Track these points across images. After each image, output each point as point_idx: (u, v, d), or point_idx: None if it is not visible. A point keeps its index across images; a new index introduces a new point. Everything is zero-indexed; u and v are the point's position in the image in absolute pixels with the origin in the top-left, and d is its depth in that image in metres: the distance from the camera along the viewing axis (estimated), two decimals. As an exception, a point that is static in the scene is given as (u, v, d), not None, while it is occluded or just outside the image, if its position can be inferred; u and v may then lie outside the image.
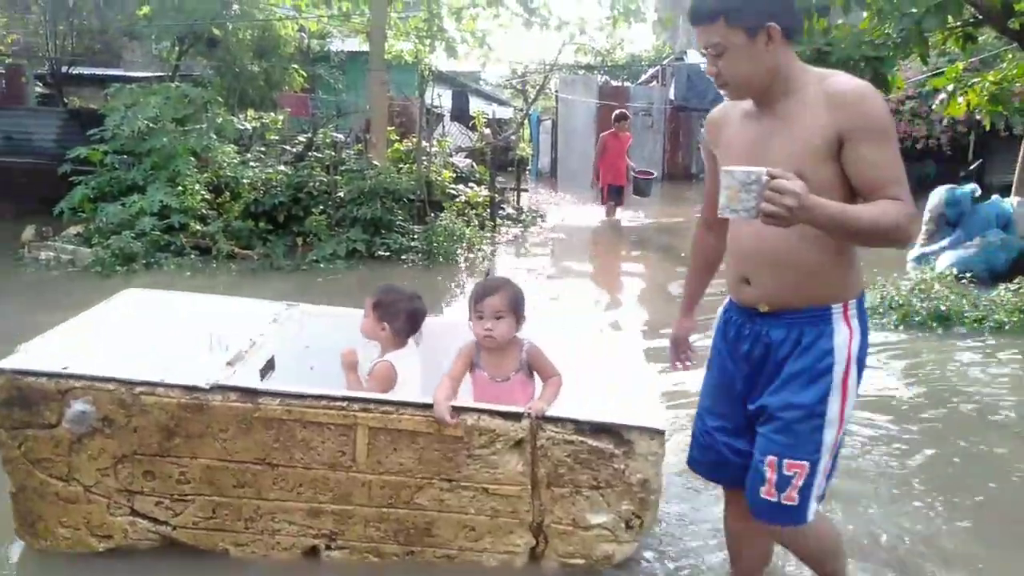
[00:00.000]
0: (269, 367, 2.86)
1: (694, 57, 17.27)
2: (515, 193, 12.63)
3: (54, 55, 13.41)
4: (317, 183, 8.85)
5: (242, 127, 10.78)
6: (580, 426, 2.28)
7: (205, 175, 8.74)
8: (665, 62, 20.90)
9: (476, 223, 9.50)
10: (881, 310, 5.75)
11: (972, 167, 13.74)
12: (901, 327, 5.52)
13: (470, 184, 10.85)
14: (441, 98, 16.22)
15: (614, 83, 20.87)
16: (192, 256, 7.86)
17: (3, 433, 2.39)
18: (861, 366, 1.86)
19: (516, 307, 2.47)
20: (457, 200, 9.86)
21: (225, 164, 8.98)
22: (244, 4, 11.80)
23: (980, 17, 6.71)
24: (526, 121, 18.47)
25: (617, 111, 11.91)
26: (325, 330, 3.03)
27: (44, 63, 13.63)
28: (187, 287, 6.81)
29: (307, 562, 2.45)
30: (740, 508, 2.05)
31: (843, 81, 1.74)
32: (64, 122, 11.31)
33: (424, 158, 10.03)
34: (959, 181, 9.83)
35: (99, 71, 15.73)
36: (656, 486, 2.31)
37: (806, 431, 1.81)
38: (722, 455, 2.04)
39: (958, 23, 6.79)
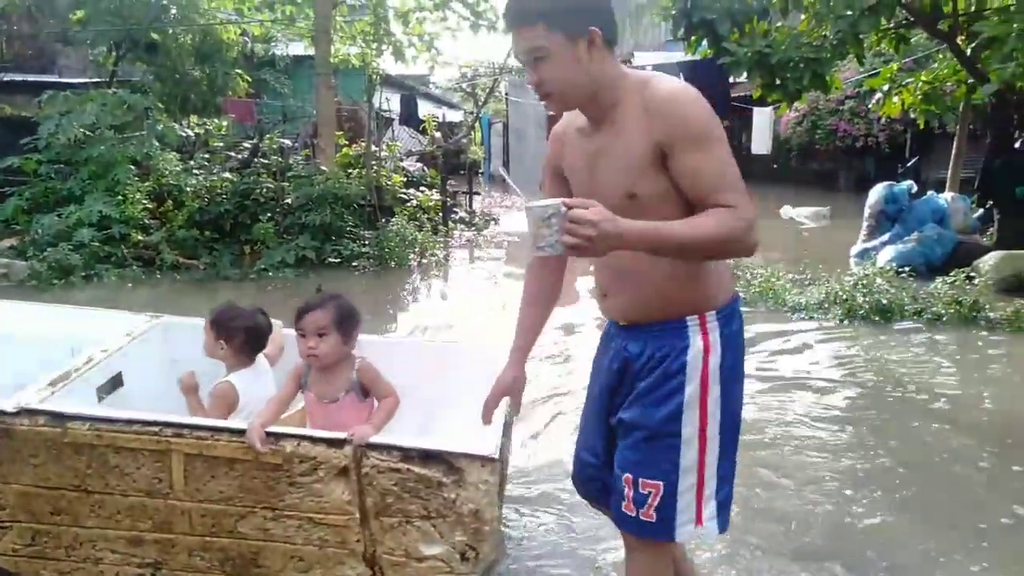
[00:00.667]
0: (116, 384, 2.72)
1: (641, 59, 17.48)
2: (467, 196, 12.60)
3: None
4: (264, 190, 8.69)
5: (185, 134, 10.52)
6: (407, 453, 2.12)
7: (147, 184, 8.49)
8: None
9: (428, 227, 9.45)
10: (826, 305, 5.90)
11: (909, 164, 14.22)
12: (845, 321, 5.67)
13: (421, 188, 10.79)
14: (390, 102, 16.10)
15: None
16: (135, 267, 7.63)
17: None
18: (729, 381, 1.74)
19: (341, 323, 2.33)
20: (408, 204, 9.79)
21: (168, 172, 8.75)
22: (183, 8, 11.51)
23: (912, 19, 6.95)
24: (477, 124, 18.46)
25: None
26: (195, 343, 2.81)
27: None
28: (130, 300, 6.61)
29: None
30: None
31: (658, 86, 1.63)
32: (-4, 130, 10.85)
33: (374, 163, 9.92)
34: (897, 178, 10.17)
35: (32, 77, 15.15)
36: (490, 516, 2.14)
37: (657, 450, 1.73)
38: (602, 486, 1.97)
39: (891, 25, 7.02)
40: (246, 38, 13.65)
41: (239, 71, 13.07)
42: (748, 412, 3.84)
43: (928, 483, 3.17)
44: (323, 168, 9.23)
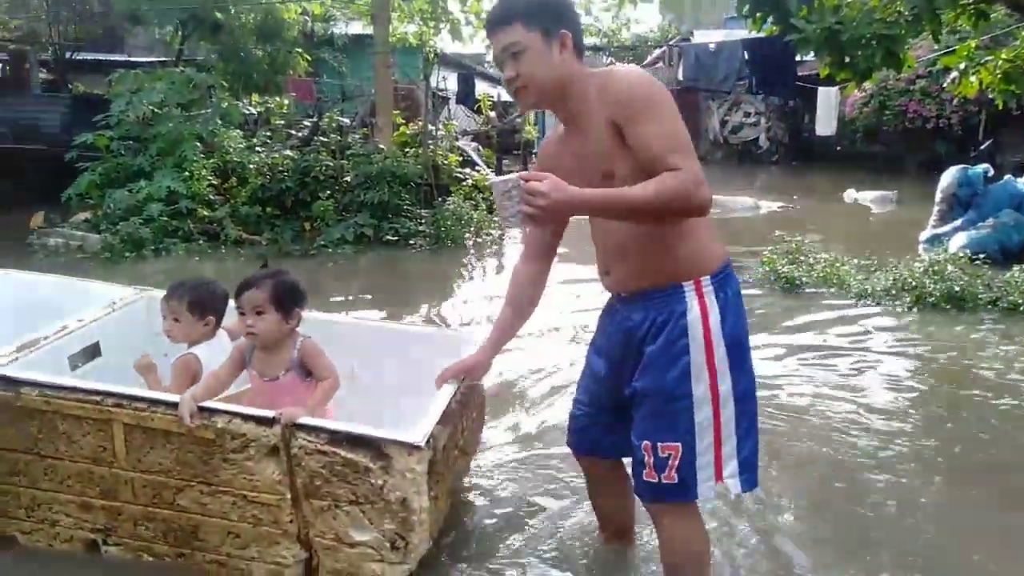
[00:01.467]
0: (93, 354, 2.80)
1: (701, 37, 17.10)
2: (522, 176, 12.56)
3: (57, 40, 13.35)
4: (323, 168, 8.82)
5: (247, 112, 10.74)
6: (334, 436, 2.12)
7: (211, 160, 8.71)
8: (672, 42, 20.72)
9: (484, 207, 9.47)
10: (894, 292, 5.72)
11: (983, 147, 13.60)
12: (914, 308, 5.48)
13: (476, 167, 10.81)
14: (447, 81, 16.12)
15: (619, 64, 20.70)
16: (200, 241, 7.87)
17: None
18: (734, 339, 1.84)
19: (280, 301, 2.30)
20: (464, 184, 9.82)
21: (231, 149, 8.96)
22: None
23: (994, -7, 6.60)
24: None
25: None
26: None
27: (47, 49, 13.57)
28: (196, 272, 6.82)
29: (91, 556, 2.42)
30: (600, 477, 2.26)
31: (608, 73, 1.83)
32: (69, 108, 11.29)
33: (430, 142, 9.98)
34: (970, 161, 9.74)
35: (102, 56, 15.67)
36: (418, 506, 2.11)
37: (672, 413, 1.84)
38: (596, 440, 2.17)
39: (970, 0, 6.68)
40: (306, 17, 13.82)
41: (299, 50, 13.27)
42: (811, 401, 3.79)
43: (997, 482, 3.06)
44: (381, 147, 9.33)
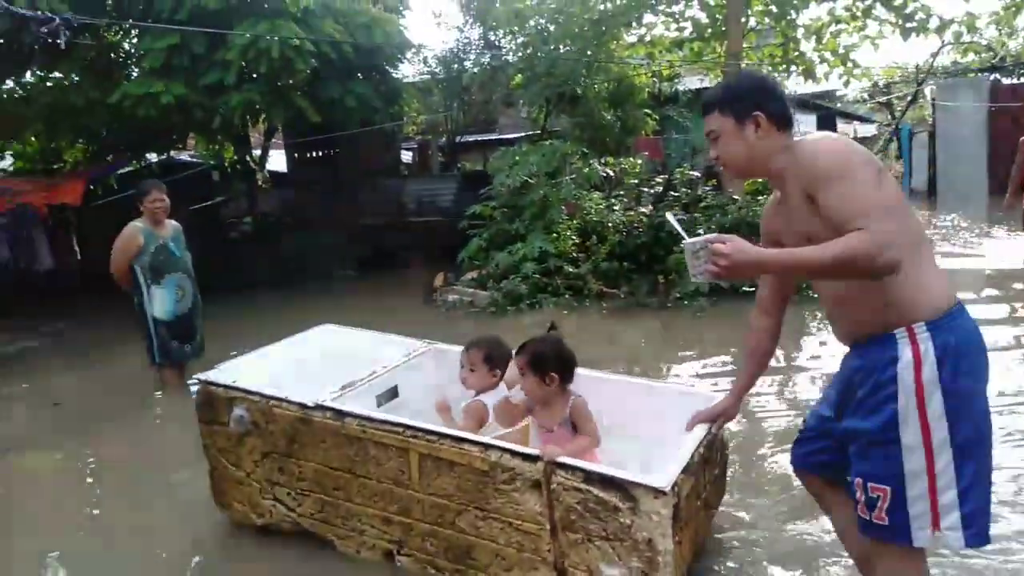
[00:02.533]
0: (392, 395, 3.25)
1: None
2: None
3: (450, 128, 15.92)
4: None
5: (603, 174, 11.55)
6: (589, 475, 2.34)
7: (574, 221, 9.52)
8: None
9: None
10: None
11: None
12: None
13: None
14: (800, 125, 15.45)
15: (1008, 81, 17.76)
16: (567, 296, 8.59)
17: (203, 427, 3.16)
18: (954, 388, 1.81)
19: (536, 366, 2.67)
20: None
21: (592, 210, 9.69)
22: (602, 61, 12.70)
23: None
24: (894, 136, 16.64)
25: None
26: (453, 366, 3.22)
27: (443, 136, 16.26)
28: (564, 324, 7.47)
29: (387, 565, 2.76)
30: (818, 493, 2.33)
31: (800, 144, 1.97)
32: (459, 184, 13.28)
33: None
34: None
35: (480, 137, 18.27)
36: (663, 547, 2.23)
37: (879, 456, 1.88)
38: (810, 454, 2.28)
39: None
40: (655, 80, 14.47)
41: (647, 111, 13.92)
42: None
43: None
44: (735, 197, 9.28)
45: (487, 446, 2.53)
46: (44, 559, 3.26)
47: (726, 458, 2.97)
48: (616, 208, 9.96)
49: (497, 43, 14.66)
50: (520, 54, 13.08)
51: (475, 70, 13.90)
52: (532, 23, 12.67)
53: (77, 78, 9.98)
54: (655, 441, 2.83)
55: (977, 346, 1.88)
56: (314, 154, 13.65)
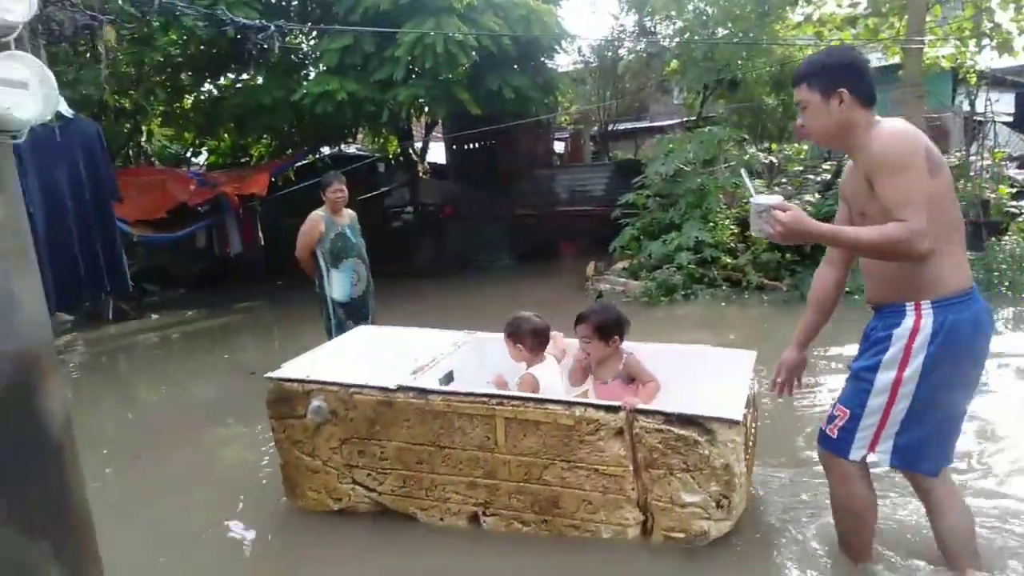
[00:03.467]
0: (449, 378, 3.48)
1: None
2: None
3: (602, 117, 15.87)
4: (846, 211, 8.49)
5: (765, 161, 11.06)
6: (668, 417, 2.67)
7: (733, 210, 9.21)
8: None
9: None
10: None
11: None
12: None
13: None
14: (993, 104, 13.94)
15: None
16: (724, 287, 8.34)
17: (274, 423, 3.28)
18: (939, 357, 2.18)
19: (601, 331, 3.12)
20: (1021, 219, 8.35)
21: (752, 198, 9.31)
22: (766, 44, 12.13)
23: None
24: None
25: None
26: (497, 352, 3.50)
27: (595, 125, 16.23)
28: (720, 316, 7.27)
29: (472, 527, 2.99)
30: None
31: (875, 131, 2.18)
32: (611, 173, 13.22)
33: (972, 174, 8.77)
34: None
35: (631, 125, 18.05)
36: (739, 470, 2.60)
37: (854, 388, 2.34)
38: None
39: None
40: (823, 59, 13.59)
41: (814, 93, 13.09)
42: None
43: None
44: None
45: (570, 403, 2.85)
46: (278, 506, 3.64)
47: (757, 412, 3.30)
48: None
49: (653, 29, 14.40)
50: (677, 39, 12.77)
51: (630, 57, 13.73)
52: (691, 7, 12.32)
53: (261, 79, 10.94)
54: (694, 394, 3.01)
55: (973, 329, 2.21)
56: (472, 146, 14.10)
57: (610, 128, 16.13)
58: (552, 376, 3.27)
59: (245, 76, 11.89)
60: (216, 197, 10.25)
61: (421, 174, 14.26)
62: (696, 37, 12.04)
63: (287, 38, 11.05)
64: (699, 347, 3.58)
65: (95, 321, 9.06)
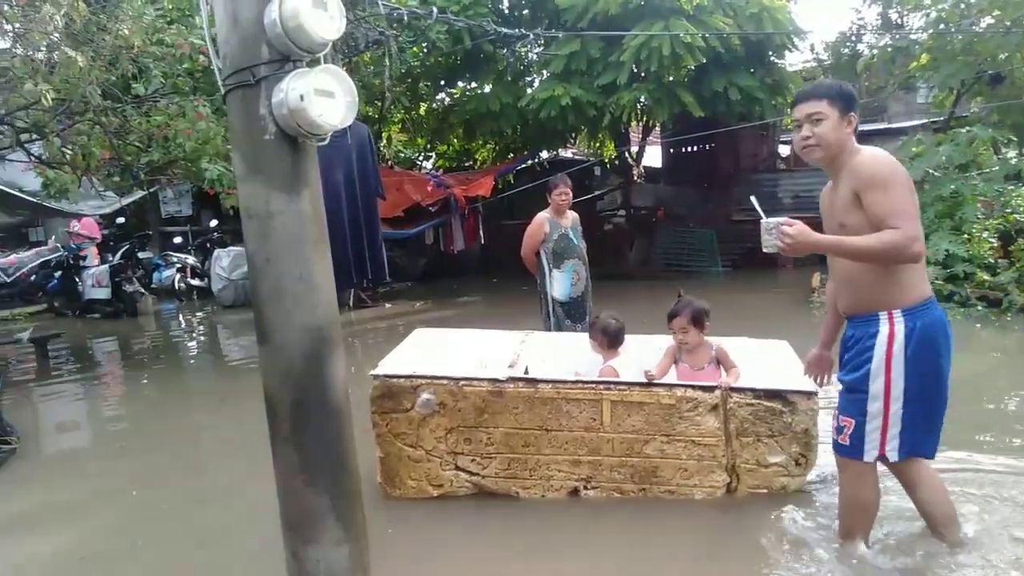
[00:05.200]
0: (527, 371, 3.75)
1: None
2: None
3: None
4: None
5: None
6: (757, 393, 3.22)
7: (995, 221, 8.14)
8: None
9: None
10: None
11: None
12: None
13: None
14: None
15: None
16: (979, 307, 7.41)
17: (376, 417, 3.42)
18: (914, 362, 2.50)
19: (695, 321, 3.55)
20: None
21: (1020, 208, 8.18)
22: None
23: None
24: None
25: None
26: (553, 351, 4.06)
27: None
28: (974, 339, 6.46)
29: (571, 500, 3.36)
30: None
31: (861, 154, 2.51)
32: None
33: None
34: None
35: (866, 127, 16.58)
36: (815, 433, 3.21)
37: (852, 400, 2.64)
38: None
39: None
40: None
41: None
42: None
43: None
44: None
45: (671, 386, 3.33)
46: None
47: None
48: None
49: (899, 22, 13.11)
50: (931, 31, 11.53)
51: (874, 52, 12.64)
52: (949, -5, 11.05)
53: (489, 87, 11.54)
54: (760, 378, 3.45)
55: (938, 331, 2.51)
56: (689, 149, 13.80)
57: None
58: (627, 366, 3.75)
59: (473, 84, 12.64)
60: (447, 198, 10.99)
61: (635, 178, 14.22)
62: (954, 28, 10.78)
63: (519, 46, 11.58)
64: (741, 339, 4.00)
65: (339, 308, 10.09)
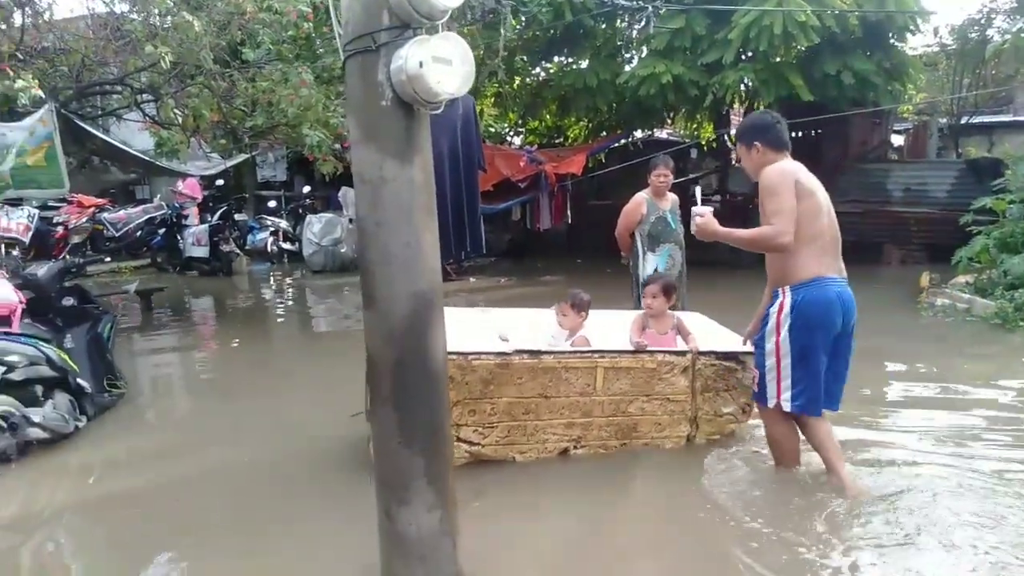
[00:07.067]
0: (504, 340, 3.91)
1: None
2: None
3: (955, 108, 13.81)
4: None
5: None
6: (719, 355, 3.80)
7: None
8: None
9: None
10: None
11: None
12: None
13: None
14: None
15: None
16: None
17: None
18: (795, 324, 3.15)
19: (666, 292, 4.13)
20: None
21: None
22: None
23: None
24: None
25: None
26: (516, 322, 4.33)
27: (944, 116, 14.19)
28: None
29: (561, 458, 3.67)
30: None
31: (765, 168, 3.25)
32: (960, 173, 11.47)
33: None
34: None
35: (990, 119, 15.44)
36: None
37: (758, 354, 3.34)
38: None
39: None
40: None
41: None
42: None
43: None
44: None
45: (652, 351, 3.71)
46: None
47: None
48: None
49: (1037, 4, 12.05)
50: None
51: (1005, 37, 11.69)
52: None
53: (586, 63, 11.30)
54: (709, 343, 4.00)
55: (821, 303, 3.13)
56: (793, 134, 13.18)
57: (963, 121, 13.97)
58: (594, 336, 4.10)
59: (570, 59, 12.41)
60: (537, 174, 10.89)
61: (734, 162, 13.71)
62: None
63: (616, 21, 11.28)
64: (695, 313, 4.64)
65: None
